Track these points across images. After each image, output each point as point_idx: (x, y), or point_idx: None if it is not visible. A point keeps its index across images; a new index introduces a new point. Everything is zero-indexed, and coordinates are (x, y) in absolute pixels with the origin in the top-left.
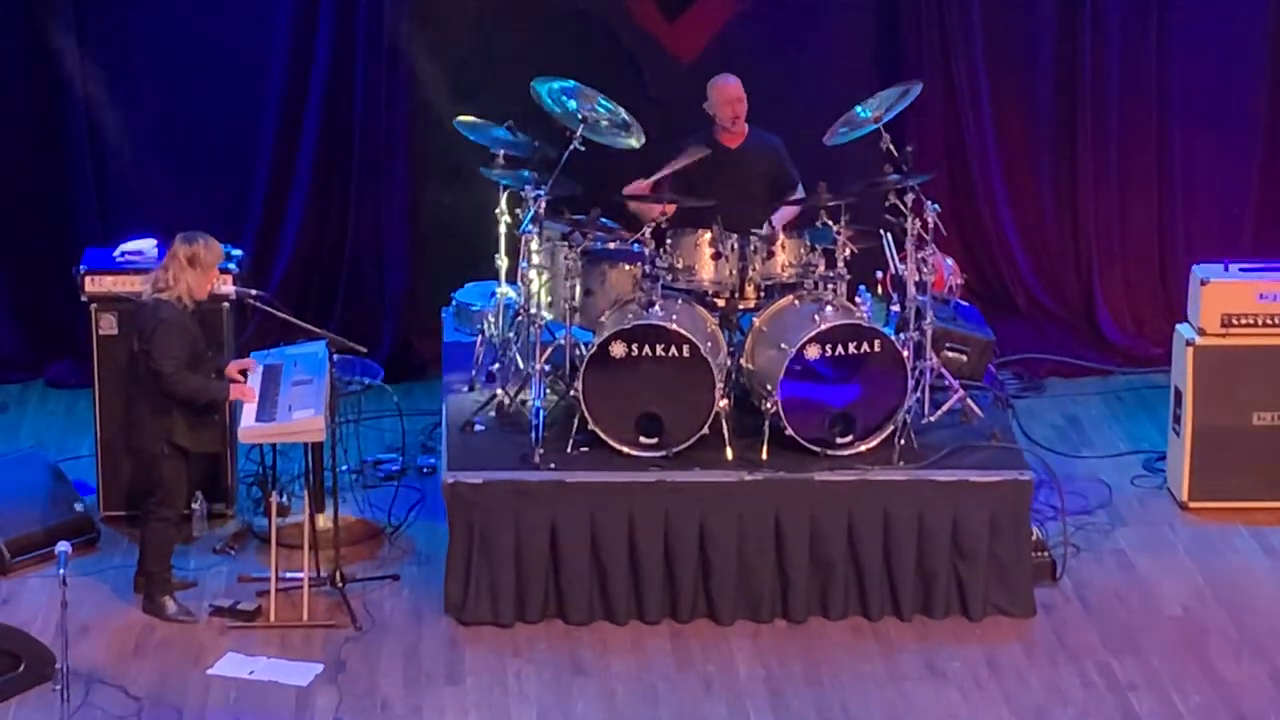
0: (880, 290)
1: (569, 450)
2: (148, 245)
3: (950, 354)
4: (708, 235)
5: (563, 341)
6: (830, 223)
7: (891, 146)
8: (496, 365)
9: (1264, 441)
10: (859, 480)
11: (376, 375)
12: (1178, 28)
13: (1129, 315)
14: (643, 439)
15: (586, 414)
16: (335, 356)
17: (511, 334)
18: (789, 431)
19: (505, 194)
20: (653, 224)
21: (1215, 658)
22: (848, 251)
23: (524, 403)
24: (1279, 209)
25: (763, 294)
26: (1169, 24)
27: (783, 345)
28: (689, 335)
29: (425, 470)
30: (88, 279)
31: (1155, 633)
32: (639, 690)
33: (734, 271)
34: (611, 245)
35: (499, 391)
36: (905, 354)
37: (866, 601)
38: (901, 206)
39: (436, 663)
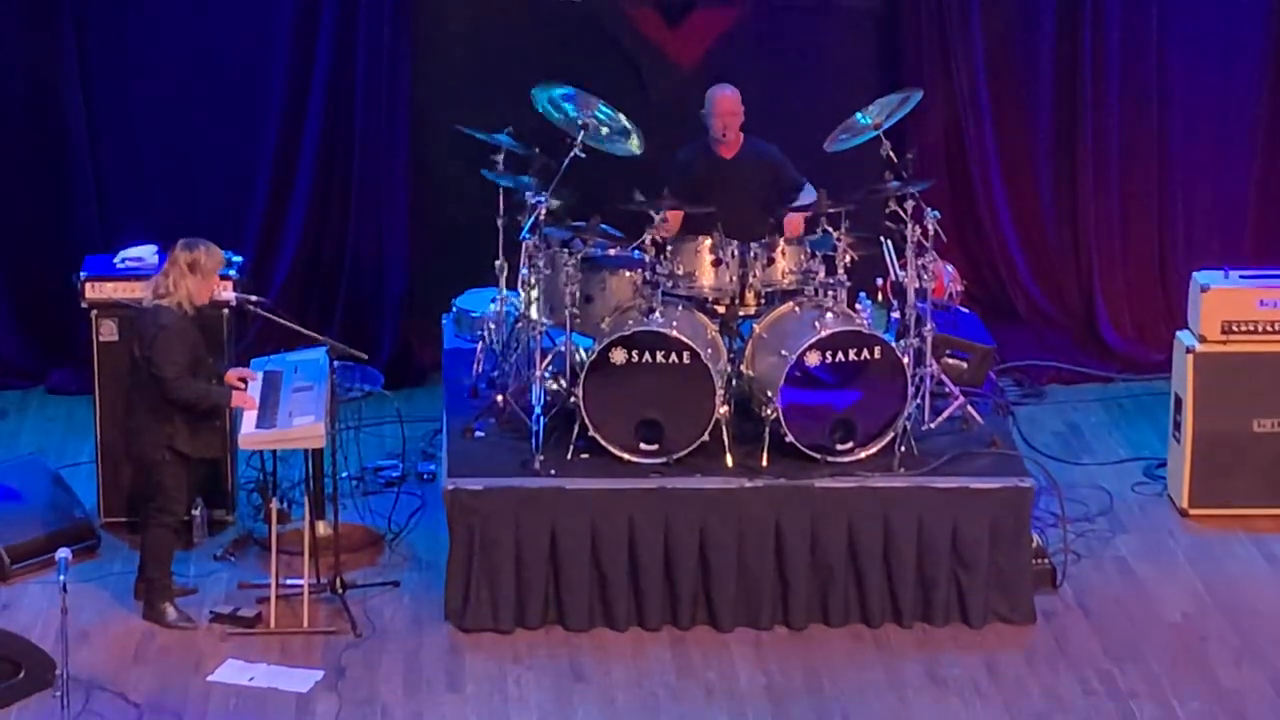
0: (881, 297)
1: (569, 457)
2: (148, 251)
3: (951, 361)
4: (708, 242)
5: (563, 348)
6: (831, 229)
7: (892, 153)
8: (497, 372)
9: (1264, 448)
10: (859, 487)
11: (377, 382)
12: (1178, 35)
13: (1129, 322)
14: (643, 445)
15: (587, 420)
16: (335, 363)
17: (512, 340)
18: (789, 438)
19: (505, 200)
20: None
21: (1216, 665)
22: (848, 258)
23: (524, 409)
24: (1279, 216)
25: (763, 301)
26: (1169, 31)
27: (783, 352)
28: (689, 342)
29: (425, 477)
30: (88, 285)
31: (1156, 640)
32: (639, 697)
33: (734, 278)
34: (612, 252)
35: (499, 398)
36: (905, 361)
37: (867, 608)
38: (902, 213)
39: (437, 669)
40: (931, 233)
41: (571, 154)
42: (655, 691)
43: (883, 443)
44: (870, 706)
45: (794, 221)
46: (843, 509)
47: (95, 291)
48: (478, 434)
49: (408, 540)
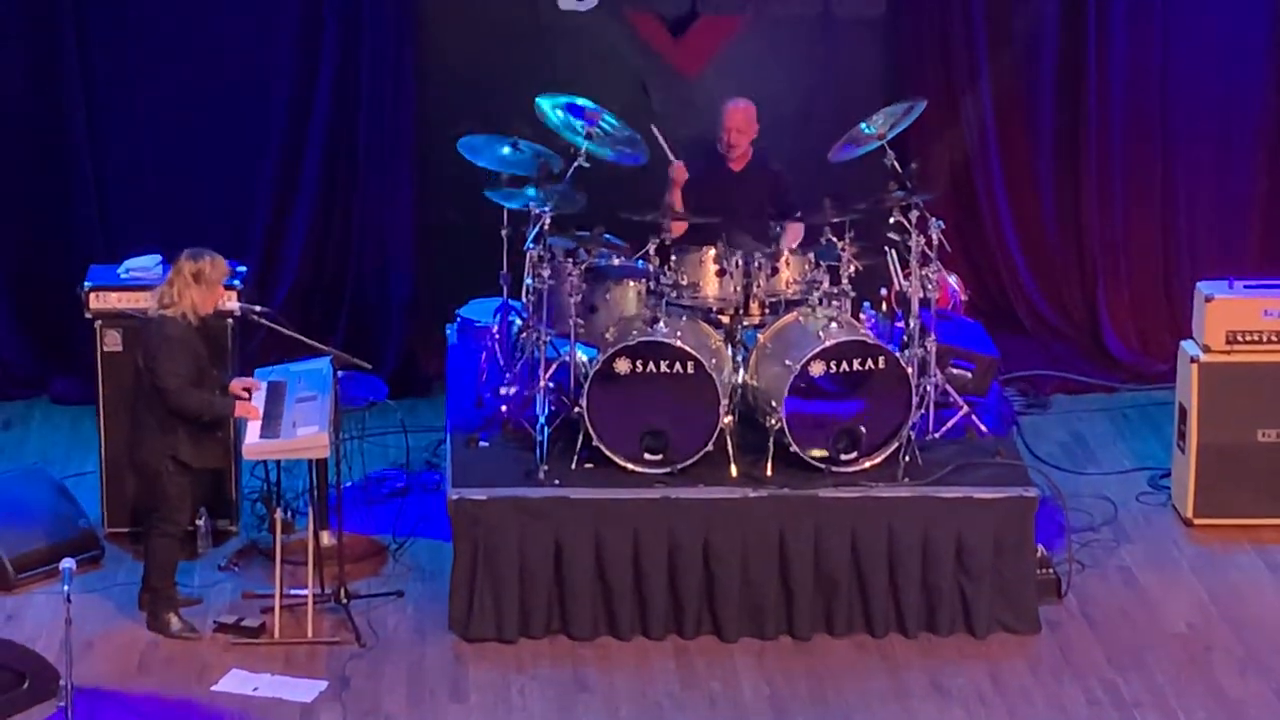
0: (885, 307)
1: (573, 466)
2: (152, 262)
3: (955, 371)
4: (712, 252)
5: (567, 358)
6: (835, 239)
7: (896, 163)
8: (501, 382)
9: (1269, 458)
10: (863, 497)
11: (381, 391)
12: (1182, 44)
13: (1134, 332)
14: (647, 455)
15: (591, 430)
16: (339, 373)
17: (516, 350)
18: (793, 448)
19: (509, 210)
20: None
21: (1220, 675)
22: (852, 268)
23: (528, 419)
24: None
25: (767, 310)
26: (1173, 40)
27: (787, 362)
28: (693, 352)
29: (430, 487)
30: (92, 296)
31: (1160, 650)
32: (643, 707)
33: (739, 288)
34: (616, 262)
35: (504, 408)
36: (910, 371)
37: (871, 618)
38: (906, 223)
39: (440, 679)
40: (935, 243)
41: (575, 164)
42: (659, 701)
43: (887, 453)
44: (875, 717)
45: (794, 230)
46: (847, 519)
47: (99, 301)
48: (482, 444)
49: (411, 550)
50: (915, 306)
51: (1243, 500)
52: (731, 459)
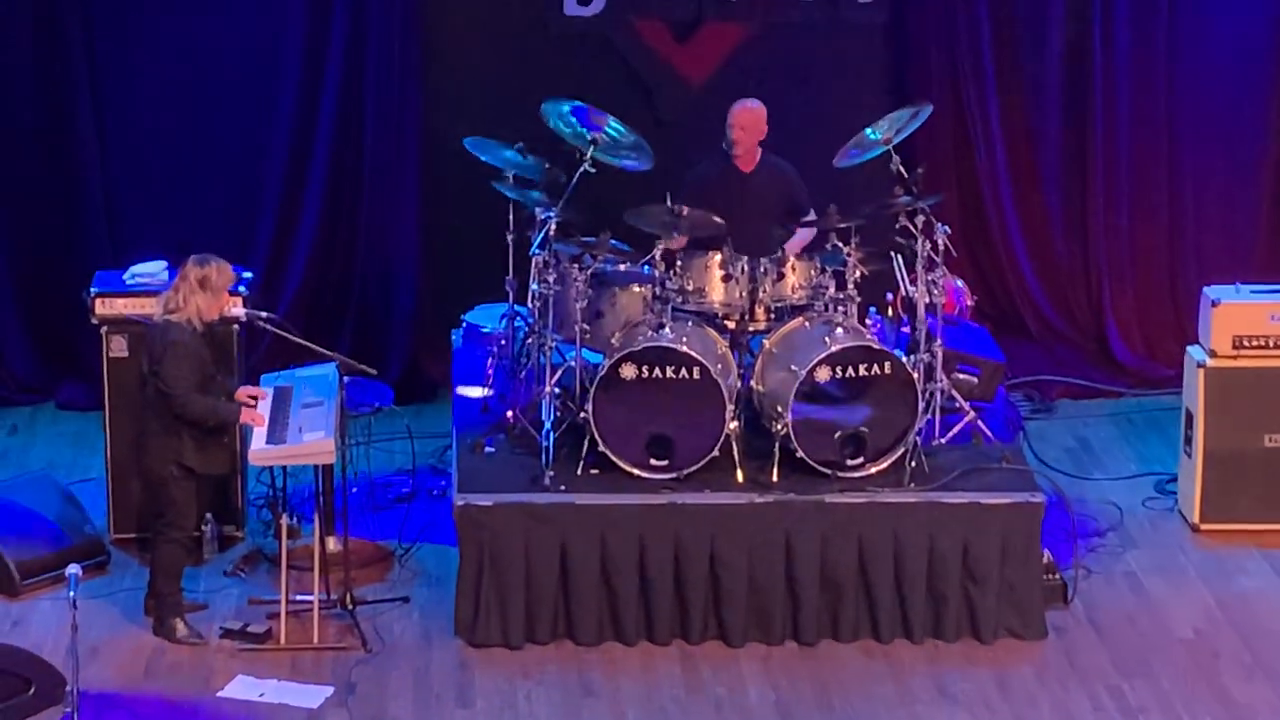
0: (891, 312)
1: (579, 472)
2: (158, 267)
3: (961, 376)
4: (718, 257)
5: (573, 363)
6: (841, 245)
7: (902, 168)
8: (507, 387)
9: (1275, 463)
10: (869, 502)
11: (386, 397)
12: (1187, 49)
13: (1140, 337)
14: (653, 461)
15: (597, 436)
16: (345, 378)
17: (522, 356)
18: (799, 453)
19: (515, 215)
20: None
21: (1227, 680)
22: (858, 273)
23: (534, 425)
24: None
25: (773, 316)
26: (1179, 45)
27: (793, 367)
28: (699, 357)
29: (435, 492)
30: (98, 301)
31: (1166, 655)
32: (649, 712)
33: (744, 293)
34: (622, 267)
35: (509, 413)
36: (915, 376)
37: (877, 624)
38: (912, 228)
39: (447, 685)
40: (941, 248)
41: (581, 169)
42: (665, 706)
43: (893, 458)
44: None
45: (796, 241)
46: (853, 524)
47: (105, 307)
48: (488, 449)
49: (417, 556)
50: (921, 311)
51: (1249, 505)
52: (737, 464)
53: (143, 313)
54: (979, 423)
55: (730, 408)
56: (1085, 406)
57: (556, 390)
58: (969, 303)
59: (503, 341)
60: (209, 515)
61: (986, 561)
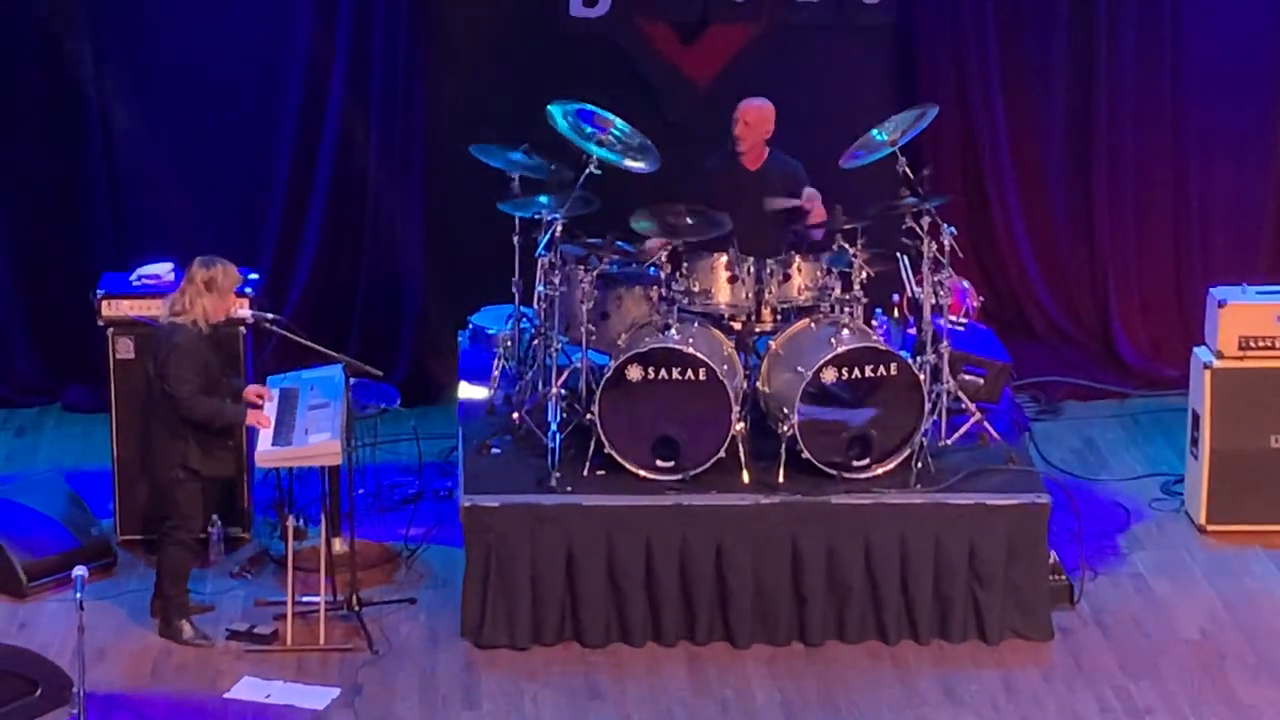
0: (897, 313)
1: (585, 474)
2: (164, 269)
3: (967, 377)
4: (724, 258)
5: (579, 365)
6: (847, 246)
7: (908, 169)
8: (513, 389)
9: None
10: (876, 504)
11: (393, 399)
12: (1193, 49)
13: (1146, 338)
14: (659, 462)
15: (603, 437)
16: (351, 380)
17: (528, 357)
18: (805, 455)
19: (520, 218)
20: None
21: (1233, 681)
22: (864, 275)
23: (540, 426)
24: None
25: (779, 317)
26: (1184, 45)
27: (799, 368)
28: (705, 358)
29: (442, 494)
30: (104, 303)
31: (1173, 656)
32: (655, 714)
33: (750, 294)
34: (628, 268)
35: (515, 415)
36: (922, 377)
37: (883, 625)
38: (918, 229)
39: (453, 687)
40: (947, 249)
41: (587, 171)
42: (671, 708)
43: (899, 459)
44: None
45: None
46: (859, 525)
47: (111, 309)
48: (494, 451)
49: (424, 557)
50: (927, 313)
51: (1256, 506)
52: (743, 465)
53: (149, 314)
54: (985, 424)
55: (736, 409)
56: (1091, 407)
57: (562, 392)
58: (975, 304)
59: (509, 343)
60: (215, 517)
61: (993, 563)
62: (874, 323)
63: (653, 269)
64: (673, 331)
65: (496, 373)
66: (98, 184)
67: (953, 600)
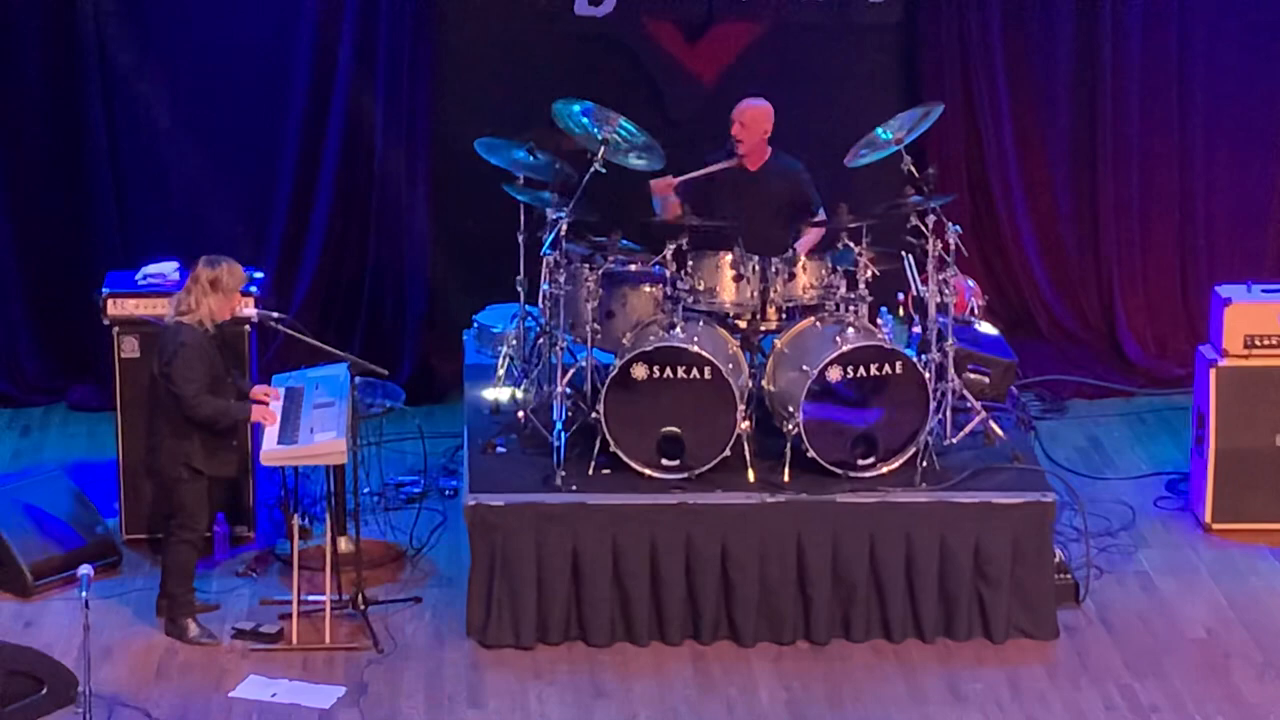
0: (902, 312)
1: (590, 472)
2: (169, 268)
3: (972, 375)
4: (729, 257)
5: (584, 364)
6: (852, 244)
7: (913, 168)
8: (518, 387)
9: None
10: (881, 502)
11: (398, 398)
12: (1199, 50)
13: (1151, 336)
14: (664, 461)
15: (608, 436)
16: (357, 379)
17: (533, 356)
18: (811, 453)
19: (526, 215)
20: (674, 220)
21: (1238, 680)
22: (869, 273)
23: (545, 425)
24: None
25: (784, 316)
26: (1189, 44)
27: (804, 367)
28: (710, 357)
29: (447, 492)
30: (109, 302)
31: (1178, 655)
32: (661, 713)
33: (755, 293)
34: (632, 267)
35: (520, 414)
36: (927, 376)
37: (889, 623)
38: (923, 228)
39: (458, 685)
40: (952, 247)
41: (592, 169)
42: (676, 707)
43: (904, 458)
44: None
45: (807, 240)
46: (864, 524)
47: (117, 308)
48: (499, 449)
49: (429, 556)
50: (932, 311)
51: (1261, 504)
52: (749, 464)
53: (154, 313)
54: (990, 422)
55: (741, 408)
56: (1096, 406)
57: (568, 390)
58: (980, 302)
59: (514, 342)
60: (221, 515)
61: (998, 561)
62: (879, 321)
63: (658, 267)
64: (678, 330)
65: (501, 371)
66: (103, 182)
67: (958, 598)
